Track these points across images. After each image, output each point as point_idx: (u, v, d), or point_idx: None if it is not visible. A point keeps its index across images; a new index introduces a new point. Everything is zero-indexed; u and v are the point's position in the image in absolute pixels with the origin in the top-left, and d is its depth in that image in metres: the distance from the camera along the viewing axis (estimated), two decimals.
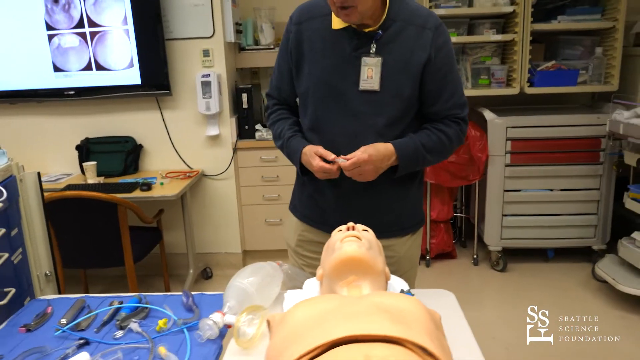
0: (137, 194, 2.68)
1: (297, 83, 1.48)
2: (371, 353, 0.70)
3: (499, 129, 3.01)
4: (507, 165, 3.05)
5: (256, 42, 3.35)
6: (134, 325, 1.24)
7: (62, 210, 2.36)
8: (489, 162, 3.07)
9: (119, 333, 1.23)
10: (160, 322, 1.24)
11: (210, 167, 3.17)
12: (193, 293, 1.41)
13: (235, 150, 3.15)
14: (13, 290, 1.54)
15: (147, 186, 2.70)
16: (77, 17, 2.85)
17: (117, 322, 1.26)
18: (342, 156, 1.35)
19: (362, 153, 1.33)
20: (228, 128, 3.12)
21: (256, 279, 1.30)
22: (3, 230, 1.54)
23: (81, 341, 1.19)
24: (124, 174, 3.05)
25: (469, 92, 3.12)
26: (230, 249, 3.31)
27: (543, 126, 2.99)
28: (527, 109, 3.24)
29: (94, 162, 2.88)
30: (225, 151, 3.15)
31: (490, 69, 3.13)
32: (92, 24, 2.86)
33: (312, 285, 1.34)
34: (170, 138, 3.13)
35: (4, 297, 1.49)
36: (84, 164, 2.87)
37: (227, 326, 1.21)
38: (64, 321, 1.28)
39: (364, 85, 1.37)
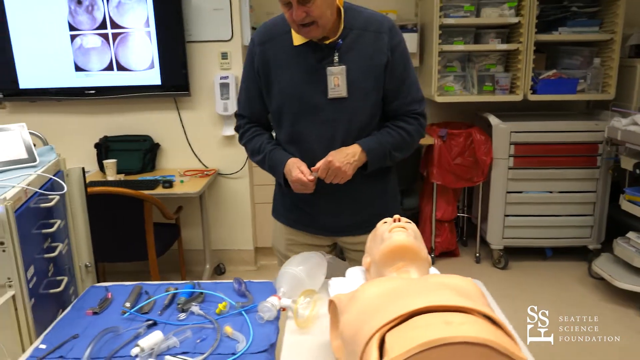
0: (160, 190, 2.77)
1: (268, 101, 1.56)
2: (449, 319, 0.82)
3: (503, 133, 3.16)
4: (510, 168, 3.21)
5: None
6: (195, 308, 1.34)
7: (89, 206, 2.44)
8: (493, 165, 3.22)
9: (182, 315, 1.33)
10: (221, 306, 1.34)
11: (225, 166, 3.28)
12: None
13: None
14: (66, 279, 1.64)
15: (169, 183, 2.80)
16: (100, 19, 2.94)
17: (179, 306, 1.36)
18: (312, 169, 1.47)
19: (327, 157, 1.45)
20: None
21: (306, 267, 1.41)
22: (61, 222, 1.64)
23: (150, 322, 1.29)
24: (141, 171, 3.13)
25: (474, 97, 3.28)
26: (243, 245, 3.41)
27: (545, 131, 3.15)
28: (528, 115, 3.41)
29: (114, 160, 2.97)
30: (240, 151, 3.25)
31: (494, 76, 3.28)
32: (114, 25, 2.95)
33: (354, 273, 1.46)
34: (187, 137, 3.23)
35: (59, 284, 1.60)
36: (105, 162, 2.95)
37: (282, 309, 1.33)
38: (127, 304, 1.38)
39: (332, 93, 1.47)
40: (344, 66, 1.46)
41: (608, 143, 3.03)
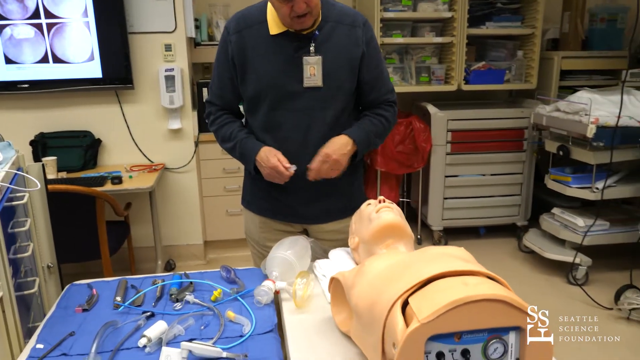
0: (108, 187, 2.67)
1: (243, 88, 1.58)
2: (466, 281, 0.92)
3: (441, 121, 3.37)
4: (447, 154, 3.43)
5: (210, 38, 3.43)
6: (189, 297, 1.36)
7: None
8: (432, 151, 3.42)
9: (178, 305, 1.34)
10: (215, 293, 1.37)
11: (172, 160, 3.21)
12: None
13: (197, 143, 3.22)
14: (37, 279, 1.58)
15: (118, 179, 2.71)
16: (32, 8, 2.76)
17: (173, 296, 1.37)
18: (308, 166, 1.51)
19: (320, 154, 1.50)
20: (190, 121, 3.18)
21: (294, 250, 1.46)
22: (30, 220, 1.57)
23: (147, 314, 1.29)
24: (83, 169, 3.00)
25: (413, 88, 3.47)
26: (192, 240, 3.37)
27: (478, 119, 3.40)
28: (461, 104, 3.65)
29: (54, 158, 2.82)
30: (187, 144, 3.21)
31: (430, 67, 3.48)
32: (49, 15, 2.78)
33: (338, 254, 1.54)
34: (130, 132, 3.13)
35: (33, 285, 1.53)
36: (44, 159, 2.79)
37: (276, 292, 1.38)
38: (118, 299, 1.36)
39: (307, 82, 1.52)
40: (320, 56, 1.51)
41: (534, 128, 3.34)
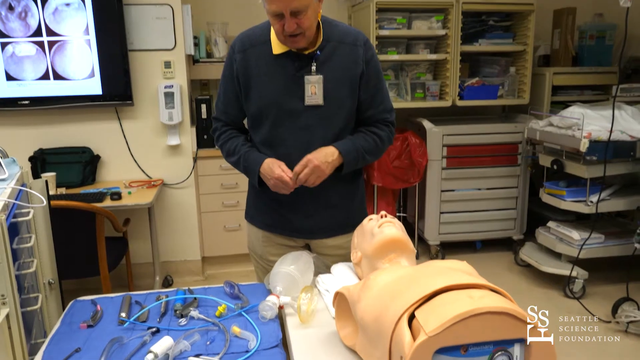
0: (107, 203, 2.68)
1: (246, 105, 1.63)
2: (471, 294, 0.94)
3: (437, 136, 3.41)
4: (443, 169, 3.47)
5: (208, 55, 3.47)
6: (194, 313, 1.37)
7: None
8: (428, 166, 3.46)
9: (183, 320, 1.35)
10: (220, 308, 1.38)
11: (170, 176, 3.23)
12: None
13: (195, 159, 3.24)
14: (40, 295, 1.58)
15: (118, 195, 2.72)
16: (34, 26, 2.79)
17: (177, 312, 1.38)
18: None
19: (304, 157, 1.52)
20: (188, 137, 3.21)
21: (297, 265, 1.48)
22: (33, 236, 1.57)
23: (153, 329, 1.30)
24: (81, 185, 3.01)
25: (408, 104, 3.51)
26: (190, 256, 3.37)
27: (472, 134, 3.45)
28: (456, 119, 3.70)
29: (54, 173, 2.83)
30: (185, 160, 3.23)
31: (425, 83, 3.53)
32: (50, 32, 2.81)
33: (340, 269, 1.56)
34: (129, 148, 3.14)
35: (37, 301, 1.54)
36: (44, 175, 2.80)
37: (280, 307, 1.39)
38: (123, 314, 1.37)
39: (309, 101, 1.56)
40: (321, 75, 1.55)
41: (528, 143, 3.39)
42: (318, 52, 1.55)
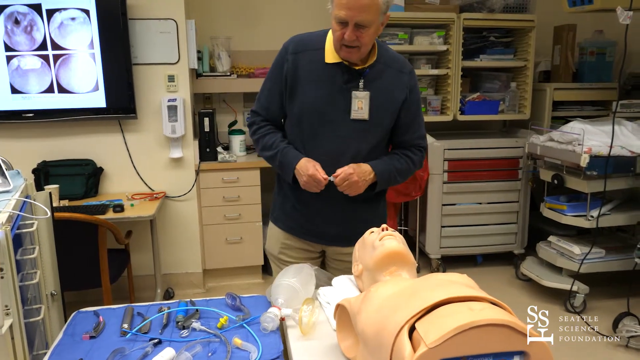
0: (110, 215, 2.70)
1: (289, 105, 1.68)
2: (471, 307, 0.95)
3: (438, 151, 3.43)
4: (444, 183, 3.48)
5: (211, 69, 3.51)
6: (196, 324, 1.37)
7: None
8: (429, 180, 3.47)
9: (185, 332, 1.36)
10: (222, 320, 1.39)
11: (173, 188, 3.25)
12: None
13: (197, 172, 3.26)
14: (43, 307, 1.59)
15: (120, 208, 2.73)
16: (39, 40, 2.83)
17: (179, 323, 1.39)
18: (332, 174, 1.60)
19: (348, 168, 1.60)
20: (191, 150, 3.23)
21: (299, 278, 1.49)
22: (37, 247, 1.59)
23: (155, 340, 1.30)
24: (84, 197, 3.02)
25: None
26: (191, 268, 3.37)
27: (474, 148, 3.47)
28: (457, 133, 3.72)
29: (57, 186, 2.84)
30: (187, 173, 3.25)
31: (427, 98, 3.56)
32: (56, 46, 2.85)
33: (341, 281, 1.57)
34: (132, 160, 3.17)
35: (39, 312, 1.54)
36: (47, 187, 2.81)
37: (281, 319, 1.40)
38: (126, 326, 1.38)
39: (355, 115, 1.62)
40: (368, 92, 1.61)
41: (528, 157, 3.40)
42: (367, 70, 1.61)
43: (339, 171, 1.59)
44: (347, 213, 1.71)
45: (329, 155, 1.63)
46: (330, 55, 1.61)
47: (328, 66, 1.61)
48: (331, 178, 1.60)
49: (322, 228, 1.74)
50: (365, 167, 1.63)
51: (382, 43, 1.69)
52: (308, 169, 1.59)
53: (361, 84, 1.61)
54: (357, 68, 1.61)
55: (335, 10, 1.48)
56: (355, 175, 1.59)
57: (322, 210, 1.71)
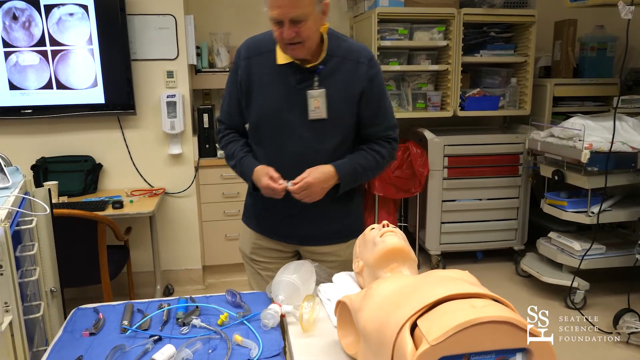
0: (109, 211, 2.69)
1: (247, 112, 1.64)
2: (473, 304, 0.94)
3: (438, 146, 3.43)
4: (444, 179, 3.47)
5: (210, 65, 3.50)
6: (196, 321, 1.37)
7: None
8: (429, 176, 3.47)
9: (185, 329, 1.35)
10: (222, 317, 1.38)
11: (172, 185, 3.24)
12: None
13: (197, 168, 3.25)
14: (43, 303, 1.58)
15: (120, 204, 2.72)
16: (38, 35, 2.82)
17: (179, 320, 1.38)
18: (291, 181, 1.53)
19: (308, 176, 1.53)
20: (190, 147, 3.22)
21: (299, 274, 1.48)
22: (36, 244, 1.58)
23: (155, 337, 1.29)
24: (83, 193, 3.02)
25: (409, 114, 3.53)
26: (191, 265, 3.37)
27: (474, 144, 3.46)
28: (457, 129, 3.71)
29: (56, 182, 2.83)
30: (187, 169, 3.24)
31: (427, 94, 3.55)
32: (54, 42, 2.84)
33: (341, 278, 1.56)
34: (131, 157, 3.15)
35: (39, 309, 1.54)
36: (46, 184, 2.80)
37: (282, 315, 1.39)
38: (126, 322, 1.37)
39: (312, 115, 1.56)
40: (323, 90, 1.55)
41: (529, 153, 3.39)
42: (321, 66, 1.55)
43: (298, 179, 1.53)
44: (318, 213, 1.66)
45: (292, 159, 1.58)
46: (281, 57, 1.55)
47: (280, 68, 1.56)
48: (289, 184, 1.53)
49: (293, 229, 1.71)
50: (327, 170, 1.55)
51: (338, 34, 1.61)
52: (261, 180, 1.55)
53: (316, 82, 1.55)
54: (309, 66, 1.55)
55: (269, 11, 1.43)
56: (317, 185, 1.53)
57: (291, 211, 1.65)
